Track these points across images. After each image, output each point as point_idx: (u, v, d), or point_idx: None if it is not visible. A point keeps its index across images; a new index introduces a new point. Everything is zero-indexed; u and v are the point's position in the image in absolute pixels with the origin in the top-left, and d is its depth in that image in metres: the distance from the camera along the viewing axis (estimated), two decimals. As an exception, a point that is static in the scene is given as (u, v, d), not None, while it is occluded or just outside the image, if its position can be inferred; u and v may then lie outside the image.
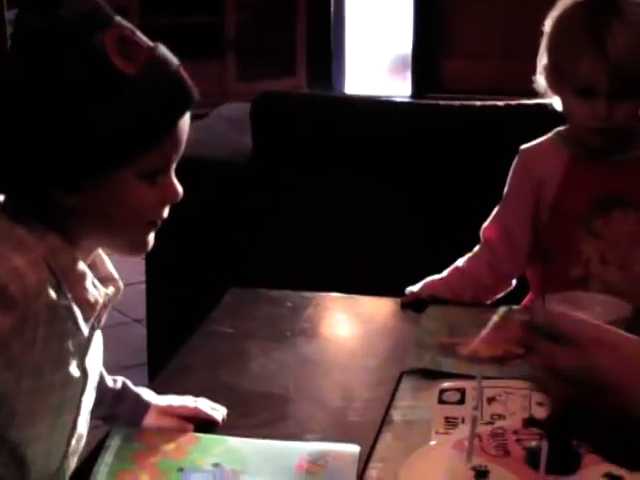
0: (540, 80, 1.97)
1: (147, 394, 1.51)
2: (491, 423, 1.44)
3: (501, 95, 3.00)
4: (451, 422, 1.48)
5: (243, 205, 2.78)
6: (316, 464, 1.39)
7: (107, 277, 1.38)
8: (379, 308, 1.98)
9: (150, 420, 1.49)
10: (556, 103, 1.98)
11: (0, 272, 1.22)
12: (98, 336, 1.39)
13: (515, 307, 1.93)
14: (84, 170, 1.25)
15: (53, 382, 1.30)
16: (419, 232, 2.68)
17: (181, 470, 1.37)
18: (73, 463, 1.41)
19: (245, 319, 1.84)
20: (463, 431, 1.36)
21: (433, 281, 1.98)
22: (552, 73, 1.94)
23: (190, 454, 1.41)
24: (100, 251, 1.39)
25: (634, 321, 1.76)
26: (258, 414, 1.54)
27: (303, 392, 1.61)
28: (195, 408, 1.50)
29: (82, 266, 1.30)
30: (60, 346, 1.29)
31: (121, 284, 1.39)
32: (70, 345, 1.31)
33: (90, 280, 1.31)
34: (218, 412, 1.51)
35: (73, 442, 1.39)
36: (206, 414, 1.50)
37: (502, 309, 1.88)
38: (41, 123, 1.24)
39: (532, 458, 1.26)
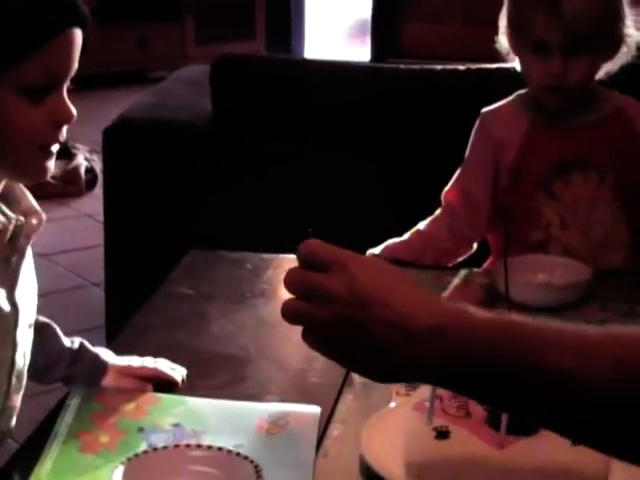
0: (502, 40, 1.97)
1: (106, 354, 1.49)
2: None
3: (462, 60, 2.99)
4: (412, 384, 1.48)
5: (203, 167, 2.76)
6: (277, 425, 1.39)
7: (29, 210, 1.34)
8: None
9: (109, 381, 1.48)
10: (517, 65, 1.98)
11: None
12: (28, 269, 1.36)
13: (476, 270, 1.93)
14: None
15: None
16: (380, 195, 2.68)
17: (141, 430, 1.36)
18: (17, 402, 1.40)
19: (205, 280, 1.83)
20: (424, 392, 1.36)
21: (394, 243, 1.98)
22: (510, 30, 1.95)
23: (150, 414, 1.40)
24: (21, 185, 1.34)
25: (594, 284, 1.77)
26: (218, 375, 1.53)
27: (263, 353, 1.61)
28: (154, 369, 1.49)
29: None
30: None
31: (44, 216, 1.35)
32: None
33: None
34: (177, 373, 1.50)
35: (14, 380, 1.37)
36: (165, 375, 1.49)
37: (463, 272, 1.89)
38: None
39: (493, 419, 1.26)
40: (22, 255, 1.34)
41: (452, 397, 1.33)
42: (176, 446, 1.26)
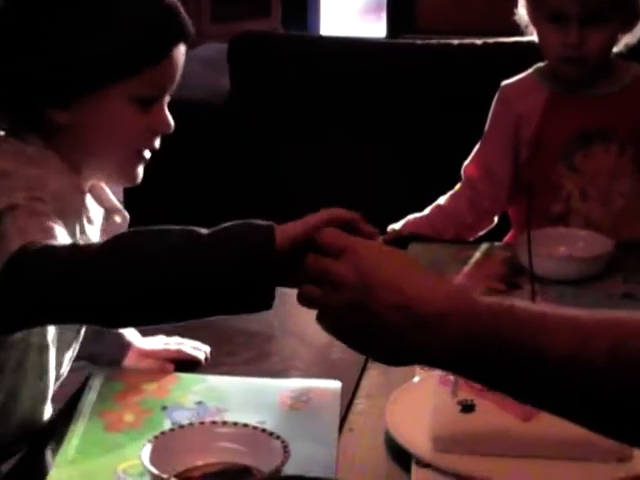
0: (521, 12, 1.96)
1: (131, 335, 1.50)
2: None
3: (478, 35, 2.98)
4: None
5: (221, 146, 2.76)
6: (299, 400, 1.40)
7: (112, 208, 1.40)
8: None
9: (130, 361, 1.49)
10: (535, 37, 1.97)
11: (21, 182, 1.22)
12: None
13: (497, 244, 1.93)
14: (71, 85, 1.27)
15: None
16: (400, 171, 2.68)
17: (164, 408, 1.37)
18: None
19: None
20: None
21: (415, 219, 1.98)
22: (528, 1, 1.94)
23: (172, 393, 1.41)
24: (102, 184, 1.40)
25: (616, 256, 1.77)
26: (241, 352, 1.53)
27: (286, 330, 1.61)
28: (177, 350, 1.50)
29: (84, 189, 1.34)
30: None
31: (127, 214, 1.41)
32: None
33: (89, 200, 1.35)
34: (201, 352, 1.51)
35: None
36: (189, 355, 1.50)
37: (484, 246, 1.89)
38: (29, 39, 1.27)
39: (518, 391, 1.26)
40: None
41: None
42: (201, 423, 1.26)
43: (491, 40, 2.76)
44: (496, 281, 1.74)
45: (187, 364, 1.48)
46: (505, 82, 2.02)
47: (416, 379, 1.42)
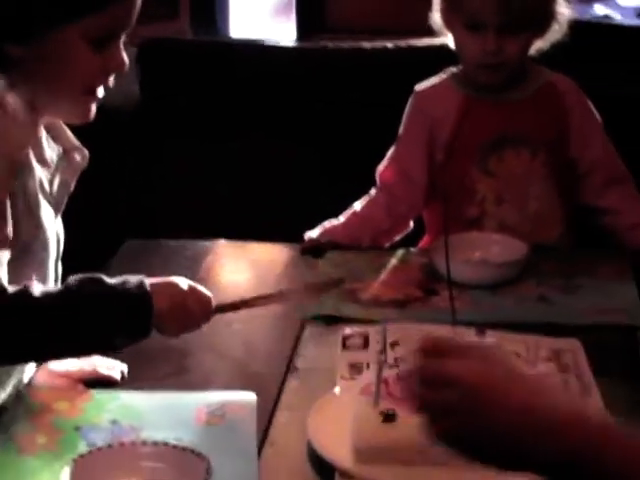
0: (435, 17, 1.97)
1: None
2: (396, 366, 1.44)
3: (387, 34, 2.99)
4: (355, 368, 1.48)
5: (132, 153, 2.73)
6: (215, 415, 1.38)
7: (72, 147, 1.44)
8: (278, 255, 1.96)
9: (41, 379, 1.47)
10: (450, 41, 1.98)
11: None
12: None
13: (413, 250, 1.94)
14: (30, 21, 1.29)
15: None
16: (314, 174, 2.67)
17: (78, 429, 1.34)
18: None
19: (143, 270, 1.78)
20: (368, 376, 1.36)
21: (332, 226, 1.97)
22: (445, 7, 1.94)
23: (85, 412, 1.38)
24: (62, 123, 1.43)
25: (530, 260, 1.79)
26: (159, 367, 1.51)
27: (204, 344, 1.59)
28: (92, 372, 1.47)
29: (40, 127, 1.37)
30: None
31: (86, 152, 1.45)
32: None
33: (45, 140, 1.38)
34: (117, 370, 1.48)
35: None
36: (104, 375, 1.47)
37: (400, 252, 1.90)
38: None
39: (439, 400, 1.26)
40: (67, 188, 1.44)
41: (397, 379, 1.33)
42: (121, 444, 1.24)
43: (403, 43, 2.77)
44: (413, 287, 1.75)
45: (103, 383, 1.46)
46: (419, 86, 2.03)
47: (337, 390, 1.42)
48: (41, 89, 1.35)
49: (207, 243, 1.94)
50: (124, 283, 1.32)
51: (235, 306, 1.47)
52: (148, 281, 1.34)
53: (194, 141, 2.76)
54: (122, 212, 2.65)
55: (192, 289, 1.38)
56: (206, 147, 2.76)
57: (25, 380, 1.43)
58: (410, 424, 1.25)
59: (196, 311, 1.38)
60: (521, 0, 1.86)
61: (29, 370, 1.43)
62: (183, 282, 1.38)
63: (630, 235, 1.96)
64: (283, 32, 5.53)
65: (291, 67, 2.83)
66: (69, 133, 1.44)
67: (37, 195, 1.37)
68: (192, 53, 2.88)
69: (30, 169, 1.36)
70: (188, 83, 2.80)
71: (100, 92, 1.38)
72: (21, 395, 1.41)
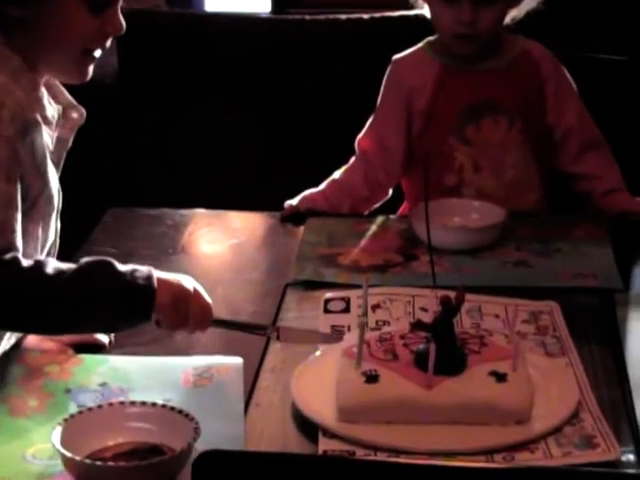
0: None
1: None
2: (377, 329, 1.47)
3: (362, 8, 2.99)
4: (337, 330, 1.51)
5: (112, 125, 2.74)
6: (202, 377, 1.40)
7: (69, 105, 1.47)
8: (259, 223, 1.98)
9: (30, 343, 1.48)
10: (426, 12, 2.00)
11: None
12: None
13: (392, 216, 1.96)
14: None
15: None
16: (294, 145, 2.68)
17: (68, 391, 1.37)
18: None
19: (126, 238, 1.82)
20: (350, 338, 1.39)
21: (311, 194, 1.99)
22: None
23: (75, 375, 1.41)
24: (57, 83, 1.46)
25: (508, 225, 1.81)
26: (145, 332, 1.52)
27: (189, 309, 1.61)
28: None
29: (41, 87, 1.39)
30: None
31: (83, 110, 1.48)
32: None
33: (46, 99, 1.40)
34: (104, 335, 1.50)
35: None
36: (91, 338, 1.49)
37: (380, 219, 1.93)
38: None
39: (420, 360, 1.29)
40: (65, 145, 1.48)
41: (379, 341, 1.36)
42: (110, 404, 1.26)
43: (378, 14, 2.78)
44: (393, 253, 1.77)
45: (90, 346, 1.48)
46: (396, 56, 2.04)
47: (319, 352, 1.44)
48: (40, 49, 1.38)
49: (188, 212, 1.96)
50: (133, 272, 1.35)
51: (232, 325, 1.48)
52: (156, 275, 1.36)
53: (171, 112, 2.76)
54: (103, 183, 2.66)
55: (197, 293, 1.40)
56: (182, 118, 2.77)
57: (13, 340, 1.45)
58: (392, 384, 1.29)
59: (196, 315, 1.40)
60: None
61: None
62: (190, 283, 1.40)
63: (606, 200, 1.99)
64: (257, 5, 5.50)
65: (267, 40, 2.83)
66: (65, 91, 1.48)
67: (45, 152, 1.41)
68: (169, 25, 2.88)
69: (38, 127, 1.38)
70: (165, 55, 2.80)
71: (97, 53, 1.42)
72: (11, 359, 1.42)
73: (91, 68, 1.43)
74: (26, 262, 1.32)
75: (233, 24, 2.91)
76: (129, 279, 1.34)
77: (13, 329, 1.42)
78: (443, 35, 1.97)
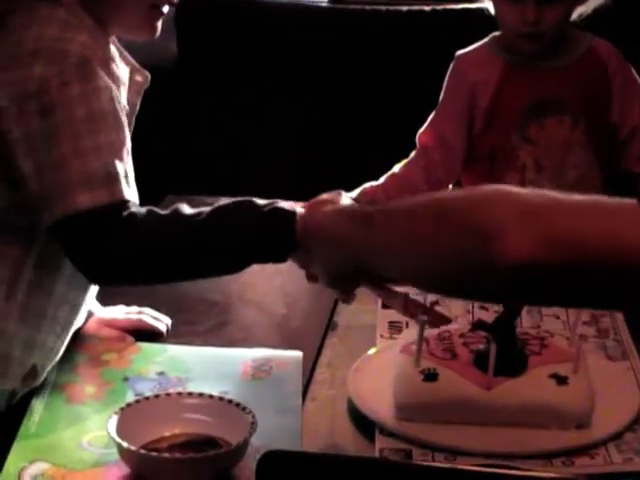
0: None
1: (91, 303, 1.48)
2: (436, 327, 1.45)
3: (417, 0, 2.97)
4: (395, 326, 1.50)
5: (171, 111, 2.74)
6: (260, 370, 1.40)
7: (134, 68, 1.42)
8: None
9: (90, 329, 1.48)
10: (490, 8, 1.97)
11: (76, 47, 1.26)
12: None
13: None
14: None
15: None
16: (354, 138, 2.68)
17: (126, 379, 1.37)
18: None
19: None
20: (408, 335, 1.38)
21: (372, 187, 1.98)
22: None
23: (133, 363, 1.41)
24: (120, 46, 1.42)
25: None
26: (201, 321, 1.53)
27: (245, 298, 1.62)
28: (138, 320, 1.50)
29: (112, 47, 1.34)
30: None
31: (147, 73, 1.43)
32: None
33: (118, 60, 1.36)
34: (162, 323, 1.50)
35: None
36: (149, 325, 1.49)
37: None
38: None
39: (480, 360, 1.28)
40: (134, 110, 1.42)
41: (438, 339, 1.34)
42: (167, 394, 1.26)
43: (440, 7, 2.76)
44: None
45: (147, 334, 1.48)
46: (460, 52, 2.02)
47: (377, 348, 1.43)
48: (111, 6, 1.35)
49: (246, 200, 1.95)
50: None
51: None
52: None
53: (229, 99, 2.77)
54: (163, 169, 2.67)
55: None
56: (240, 105, 2.77)
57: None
58: (451, 384, 1.28)
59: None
60: None
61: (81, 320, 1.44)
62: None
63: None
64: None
65: (327, 30, 2.83)
66: (128, 55, 1.44)
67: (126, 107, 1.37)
68: (229, 12, 2.88)
69: (120, 82, 1.35)
70: (224, 42, 2.81)
71: (165, 9, 1.38)
72: (70, 346, 1.42)
73: (159, 24, 1.39)
74: (163, 211, 1.30)
75: (295, 12, 2.91)
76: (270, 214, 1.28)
77: (161, 281, 1.37)
78: (507, 33, 1.95)
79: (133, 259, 1.26)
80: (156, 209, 1.30)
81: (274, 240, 1.28)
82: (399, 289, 1.29)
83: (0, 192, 1.28)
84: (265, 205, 1.29)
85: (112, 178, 1.25)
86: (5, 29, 1.30)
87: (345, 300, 1.32)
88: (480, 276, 1.02)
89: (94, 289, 1.43)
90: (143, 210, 1.28)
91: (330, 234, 1.20)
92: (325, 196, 1.32)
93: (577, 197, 1.04)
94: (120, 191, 1.25)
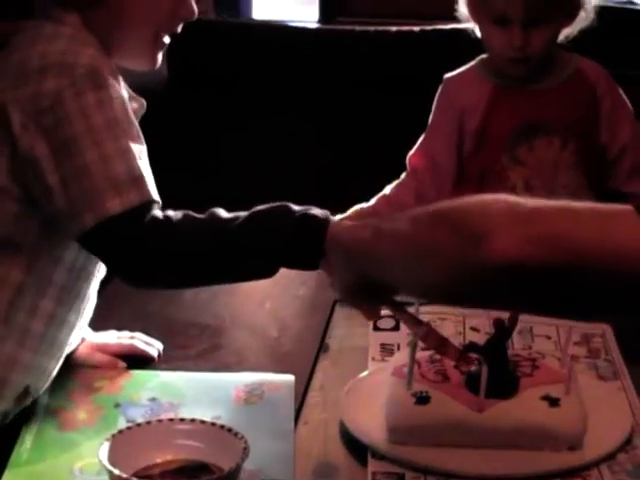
0: (461, 8, 1.97)
1: (83, 328, 1.48)
2: (427, 349, 1.45)
3: (409, 19, 2.99)
4: (387, 349, 1.50)
5: (160, 134, 2.74)
6: (253, 394, 1.40)
7: (130, 95, 1.41)
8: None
9: (81, 355, 1.48)
10: (477, 31, 1.98)
11: (84, 59, 1.26)
12: None
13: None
14: None
15: None
16: (343, 158, 2.68)
17: (118, 405, 1.36)
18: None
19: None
20: (400, 358, 1.38)
21: (362, 209, 1.98)
22: (470, 2, 1.95)
23: (125, 389, 1.41)
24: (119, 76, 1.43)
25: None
26: (193, 345, 1.53)
27: (237, 322, 1.62)
28: (130, 345, 1.49)
29: (115, 69, 1.33)
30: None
31: (143, 101, 1.44)
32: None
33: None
34: (154, 348, 1.50)
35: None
36: (141, 350, 1.49)
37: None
38: None
39: (472, 383, 1.28)
40: None
41: (430, 362, 1.34)
42: (159, 420, 1.26)
43: (429, 27, 2.77)
44: None
45: (139, 359, 1.48)
46: (448, 75, 2.03)
47: (369, 371, 1.43)
48: (115, 30, 1.34)
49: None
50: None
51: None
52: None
53: (219, 121, 2.77)
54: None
55: None
56: (230, 126, 2.77)
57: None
58: (443, 406, 1.27)
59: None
60: None
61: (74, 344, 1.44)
62: None
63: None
64: (305, 15, 5.51)
65: (316, 50, 2.84)
66: (124, 82, 1.44)
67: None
68: (219, 34, 2.89)
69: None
70: (214, 65, 2.81)
71: (167, 40, 1.38)
72: (62, 373, 1.42)
73: (160, 55, 1.40)
74: (199, 215, 1.30)
75: (283, 34, 2.92)
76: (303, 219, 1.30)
77: (195, 284, 1.40)
78: (495, 57, 1.96)
79: (170, 259, 1.27)
80: (192, 212, 1.31)
81: (307, 246, 1.29)
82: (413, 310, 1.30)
83: (21, 211, 1.29)
84: (299, 211, 1.31)
85: (138, 180, 1.26)
86: (8, 48, 1.31)
87: (368, 317, 1.32)
88: (475, 276, 1.03)
89: (89, 311, 1.43)
90: (179, 214, 1.29)
91: (342, 246, 1.23)
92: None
93: (572, 202, 1.04)
94: (148, 192, 1.27)
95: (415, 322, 1.27)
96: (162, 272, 1.28)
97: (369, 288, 1.23)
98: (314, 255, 1.29)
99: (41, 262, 1.30)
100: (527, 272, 0.99)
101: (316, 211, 1.32)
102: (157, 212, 1.27)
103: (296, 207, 1.32)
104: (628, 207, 1.00)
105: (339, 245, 1.24)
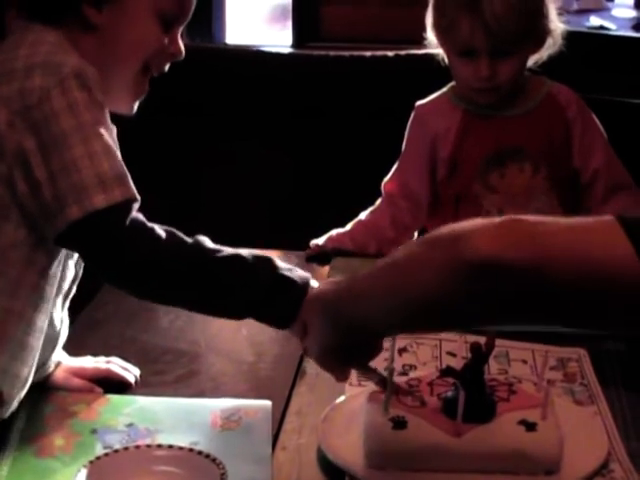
0: (430, 37, 1.98)
1: (59, 354, 1.48)
2: (404, 374, 1.46)
3: (381, 43, 3.00)
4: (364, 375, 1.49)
5: (131, 158, 2.74)
6: (230, 420, 1.40)
7: None
8: (285, 261, 1.97)
9: (58, 379, 1.48)
10: (445, 59, 1.99)
11: (71, 60, 1.28)
12: None
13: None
14: None
15: None
16: (316, 185, 2.68)
17: (94, 431, 1.36)
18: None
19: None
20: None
21: (338, 234, 1.99)
22: (436, 34, 1.95)
23: (101, 415, 1.40)
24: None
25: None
26: (169, 371, 1.53)
27: (213, 348, 1.61)
28: (107, 370, 1.49)
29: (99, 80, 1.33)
30: None
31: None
32: None
33: None
34: (130, 373, 1.50)
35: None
36: (118, 375, 1.48)
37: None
38: None
39: (449, 407, 1.28)
40: None
41: (407, 387, 1.35)
42: (137, 447, 1.26)
43: (403, 52, 2.79)
44: None
45: (116, 385, 1.47)
46: (419, 102, 2.04)
47: (346, 396, 1.43)
48: (105, 61, 1.34)
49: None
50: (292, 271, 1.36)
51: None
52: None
53: (190, 146, 2.77)
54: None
55: None
56: (202, 153, 2.77)
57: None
58: (420, 431, 1.28)
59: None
60: (511, 25, 1.85)
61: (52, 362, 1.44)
62: None
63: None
64: (279, 39, 5.53)
65: (290, 76, 2.84)
66: None
67: None
68: (189, 58, 2.88)
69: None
70: (185, 88, 2.81)
71: (146, 87, 1.40)
72: (39, 398, 1.41)
73: (137, 104, 1.42)
74: (188, 239, 1.32)
75: (256, 59, 2.93)
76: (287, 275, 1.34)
77: (163, 302, 1.40)
78: (463, 87, 1.96)
79: (148, 264, 1.29)
80: (178, 232, 1.33)
81: (280, 308, 1.34)
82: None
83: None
84: (282, 269, 1.35)
85: (122, 178, 1.28)
86: None
87: (338, 379, 1.33)
88: (460, 280, 1.04)
89: (65, 329, 1.43)
90: (165, 227, 1.32)
91: (323, 301, 1.25)
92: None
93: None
94: (131, 189, 1.29)
95: (383, 382, 1.32)
96: (135, 273, 1.30)
97: (346, 350, 1.25)
98: (286, 318, 1.34)
99: (13, 264, 1.31)
100: (503, 269, 1.00)
101: (298, 274, 1.36)
102: (140, 215, 1.30)
103: (281, 264, 1.36)
104: (609, 217, 1.02)
105: (320, 301, 1.26)
